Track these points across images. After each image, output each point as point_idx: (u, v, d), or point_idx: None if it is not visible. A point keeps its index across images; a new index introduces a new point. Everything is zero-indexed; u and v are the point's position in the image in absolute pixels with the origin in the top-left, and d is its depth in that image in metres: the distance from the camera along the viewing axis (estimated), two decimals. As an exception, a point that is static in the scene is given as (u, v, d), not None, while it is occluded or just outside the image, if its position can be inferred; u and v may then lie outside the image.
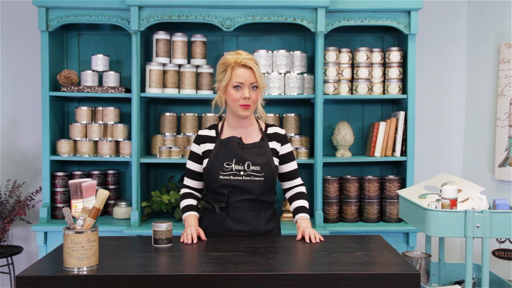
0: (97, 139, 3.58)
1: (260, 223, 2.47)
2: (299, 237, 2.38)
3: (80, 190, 1.97)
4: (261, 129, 2.54)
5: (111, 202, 3.69)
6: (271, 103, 3.79)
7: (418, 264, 2.30)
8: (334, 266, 1.96)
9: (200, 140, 2.54)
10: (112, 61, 3.75)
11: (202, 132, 2.56)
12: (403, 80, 3.59)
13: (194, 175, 2.56)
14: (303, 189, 2.59)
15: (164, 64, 3.56)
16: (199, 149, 2.53)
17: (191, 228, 2.38)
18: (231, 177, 2.42)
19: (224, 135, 2.51)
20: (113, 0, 3.39)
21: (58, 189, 3.54)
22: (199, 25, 3.67)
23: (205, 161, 2.49)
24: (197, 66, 3.60)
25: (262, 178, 2.43)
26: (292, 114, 3.70)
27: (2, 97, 3.88)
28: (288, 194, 2.60)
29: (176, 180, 3.80)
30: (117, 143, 3.60)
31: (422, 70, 3.90)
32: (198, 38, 3.60)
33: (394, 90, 3.58)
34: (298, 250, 2.23)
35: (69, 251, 1.88)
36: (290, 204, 2.57)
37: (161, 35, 3.56)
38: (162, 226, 2.24)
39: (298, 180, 2.59)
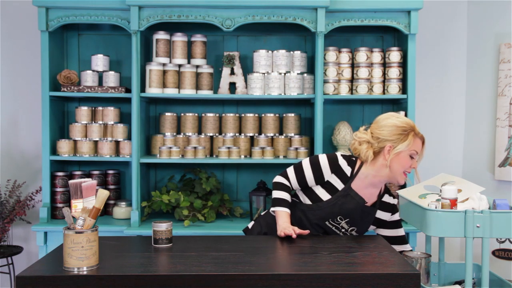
0: (97, 139, 3.58)
1: None
2: None
3: (80, 190, 1.97)
4: (380, 193, 2.54)
5: (111, 202, 3.69)
6: (271, 103, 3.79)
7: (418, 264, 2.30)
8: (334, 266, 1.96)
9: (335, 168, 2.45)
10: (112, 61, 3.74)
11: (342, 163, 2.45)
12: (403, 80, 3.59)
13: (301, 182, 2.48)
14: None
15: (164, 64, 3.56)
16: (328, 175, 2.45)
17: (289, 227, 2.36)
18: (333, 228, 2.49)
19: (354, 185, 2.45)
20: (113, 0, 3.39)
21: (58, 189, 3.54)
22: (199, 25, 3.66)
23: (322, 191, 2.46)
24: (197, 66, 3.60)
25: (353, 232, 2.53)
26: (292, 114, 3.69)
27: (2, 97, 3.88)
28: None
29: (176, 180, 3.79)
30: (117, 143, 3.60)
31: (422, 70, 3.90)
32: (198, 38, 3.60)
33: (394, 90, 3.58)
34: (298, 250, 2.23)
35: (69, 251, 1.87)
36: None
37: (161, 35, 3.56)
38: (162, 226, 2.24)
39: (408, 246, 2.60)
